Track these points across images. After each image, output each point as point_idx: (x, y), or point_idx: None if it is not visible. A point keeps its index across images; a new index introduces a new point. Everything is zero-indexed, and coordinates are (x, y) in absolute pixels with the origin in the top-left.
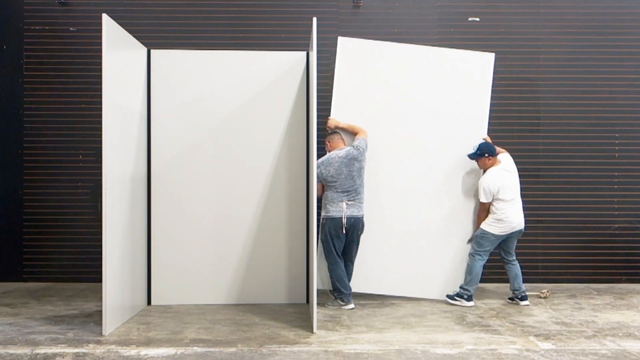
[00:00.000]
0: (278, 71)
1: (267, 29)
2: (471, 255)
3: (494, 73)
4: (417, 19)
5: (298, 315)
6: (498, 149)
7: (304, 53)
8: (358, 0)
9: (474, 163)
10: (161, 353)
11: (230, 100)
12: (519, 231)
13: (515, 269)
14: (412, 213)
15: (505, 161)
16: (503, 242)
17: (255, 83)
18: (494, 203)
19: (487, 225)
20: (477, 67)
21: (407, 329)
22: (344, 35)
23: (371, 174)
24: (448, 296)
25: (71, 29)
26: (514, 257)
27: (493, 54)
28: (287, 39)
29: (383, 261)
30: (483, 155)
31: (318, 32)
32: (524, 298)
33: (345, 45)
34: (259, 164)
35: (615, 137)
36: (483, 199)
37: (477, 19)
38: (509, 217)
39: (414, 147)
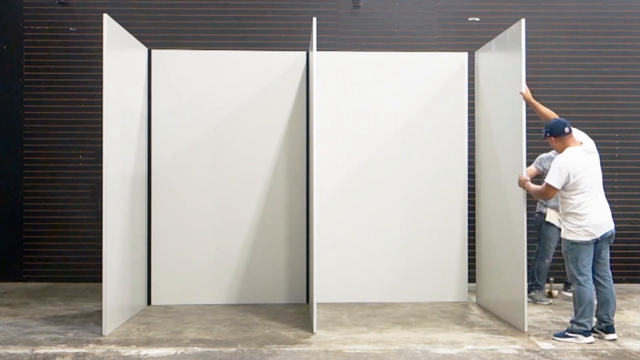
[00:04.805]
0: (278, 71)
1: (267, 29)
2: (573, 281)
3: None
4: (417, 19)
5: (298, 315)
6: (548, 112)
7: (304, 53)
8: (358, 0)
9: (456, 168)
10: (161, 353)
11: (230, 100)
12: (610, 234)
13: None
14: (397, 219)
15: (587, 143)
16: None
17: (255, 83)
18: (572, 196)
19: (570, 234)
20: (453, 68)
21: (407, 329)
22: (344, 35)
23: (353, 180)
24: (557, 335)
25: (71, 29)
26: (610, 275)
27: (466, 53)
28: (287, 39)
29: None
30: (546, 135)
31: (318, 32)
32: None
33: (321, 59)
34: (259, 164)
35: (615, 137)
36: (553, 182)
37: (477, 19)
38: (594, 216)
39: (397, 153)
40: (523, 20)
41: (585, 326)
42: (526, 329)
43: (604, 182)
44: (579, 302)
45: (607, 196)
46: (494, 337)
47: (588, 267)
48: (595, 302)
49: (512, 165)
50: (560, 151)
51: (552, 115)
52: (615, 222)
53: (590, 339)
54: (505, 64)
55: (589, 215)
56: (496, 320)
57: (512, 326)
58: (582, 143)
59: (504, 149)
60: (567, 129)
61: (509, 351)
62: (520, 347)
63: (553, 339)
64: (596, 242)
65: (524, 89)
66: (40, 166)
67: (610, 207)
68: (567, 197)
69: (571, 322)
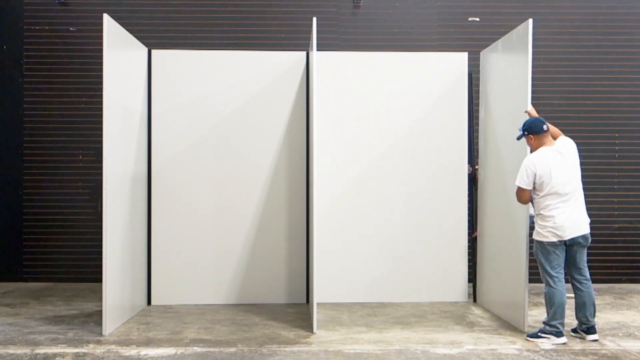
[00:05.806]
0: (278, 71)
1: (267, 29)
2: (544, 282)
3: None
4: (417, 19)
5: (298, 315)
6: (555, 130)
7: (304, 53)
8: (358, 0)
9: (456, 167)
10: (161, 353)
11: (230, 100)
12: (582, 238)
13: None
14: (397, 218)
15: (561, 143)
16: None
17: (255, 83)
18: (540, 198)
19: (537, 234)
20: (453, 68)
21: (407, 329)
22: (344, 35)
23: (353, 180)
24: (530, 335)
25: (71, 29)
26: (587, 277)
27: (466, 53)
28: (287, 39)
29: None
30: (523, 134)
31: (318, 32)
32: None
33: (321, 59)
34: (259, 164)
35: (615, 137)
36: (520, 183)
37: (477, 19)
38: (561, 218)
39: (397, 152)
40: (530, 21)
41: (557, 327)
42: (526, 329)
43: (604, 183)
44: (550, 304)
45: (607, 196)
46: (494, 337)
47: (558, 268)
48: (565, 302)
49: (516, 166)
50: (534, 150)
51: (558, 132)
52: (615, 222)
53: (564, 339)
54: (511, 64)
55: (554, 218)
56: (496, 321)
57: (512, 326)
58: (554, 143)
59: (509, 150)
60: (545, 127)
61: (509, 351)
62: (520, 347)
63: (526, 339)
64: (568, 245)
65: (529, 107)
66: (40, 166)
67: (610, 207)
68: (536, 198)
69: (544, 323)
